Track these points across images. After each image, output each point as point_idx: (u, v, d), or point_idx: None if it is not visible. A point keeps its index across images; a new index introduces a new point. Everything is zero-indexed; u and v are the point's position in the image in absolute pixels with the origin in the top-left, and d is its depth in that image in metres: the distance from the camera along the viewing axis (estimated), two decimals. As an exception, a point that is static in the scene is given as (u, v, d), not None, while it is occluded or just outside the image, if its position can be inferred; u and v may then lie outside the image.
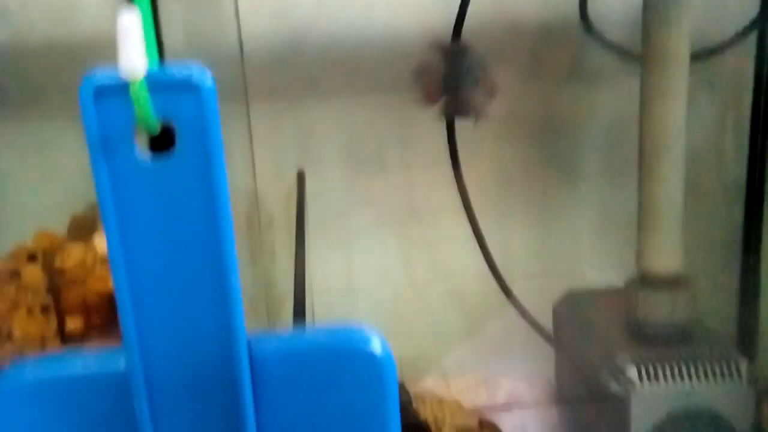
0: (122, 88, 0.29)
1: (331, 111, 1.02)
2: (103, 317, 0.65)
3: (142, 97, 0.29)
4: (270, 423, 0.33)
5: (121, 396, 0.33)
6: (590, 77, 1.04)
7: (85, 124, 0.30)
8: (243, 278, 0.32)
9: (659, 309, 0.86)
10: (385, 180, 1.05)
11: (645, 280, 0.88)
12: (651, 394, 0.80)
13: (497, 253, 1.02)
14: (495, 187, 1.06)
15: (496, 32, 0.98)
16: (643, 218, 0.88)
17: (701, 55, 0.95)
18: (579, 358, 0.93)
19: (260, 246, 1.01)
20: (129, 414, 0.32)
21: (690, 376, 0.81)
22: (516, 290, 1.02)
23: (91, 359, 0.33)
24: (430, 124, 0.98)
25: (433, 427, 0.87)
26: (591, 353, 0.90)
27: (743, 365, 0.82)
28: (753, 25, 0.96)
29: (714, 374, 0.81)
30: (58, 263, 0.67)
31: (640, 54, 0.87)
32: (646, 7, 0.84)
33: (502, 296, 1.02)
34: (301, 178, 1.00)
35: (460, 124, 0.97)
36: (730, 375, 0.81)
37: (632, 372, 0.81)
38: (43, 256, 0.68)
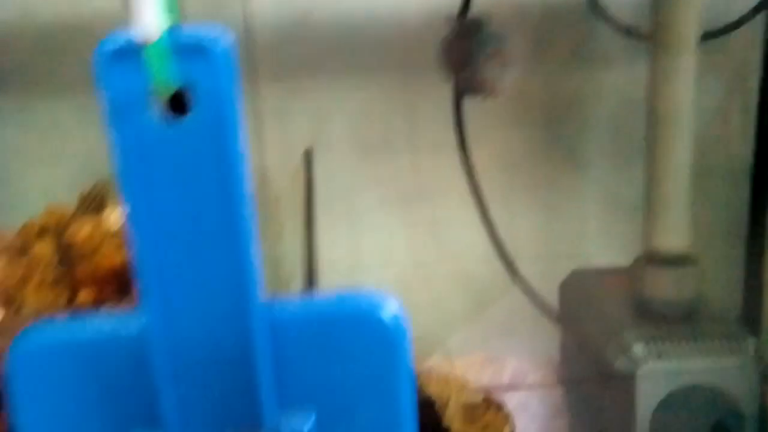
0: (137, 50, 0.29)
1: (339, 91, 1.02)
2: (114, 290, 0.65)
3: (156, 60, 0.29)
4: (284, 385, 0.33)
5: (136, 359, 0.33)
6: (598, 59, 1.04)
7: (101, 88, 0.30)
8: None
9: (666, 287, 0.87)
10: (392, 160, 1.05)
11: (652, 259, 0.88)
12: (657, 371, 0.81)
13: (503, 234, 1.02)
14: (501, 168, 1.06)
15: (503, 13, 0.98)
16: (650, 197, 0.88)
17: (709, 36, 0.94)
18: (585, 336, 0.94)
19: (267, 225, 1.02)
20: (144, 377, 0.33)
21: (696, 354, 0.81)
22: (522, 271, 1.03)
23: (106, 323, 0.34)
24: (438, 105, 0.98)
25: (438, 403, 0.87)
26: (597, 331, 0.90)
27: (749, 343, 0.82)
28: (761, 6, 0.96)
29: (720, 352, 0.81)
30: (68, 237, 0.67)
31: (649, 35, 0.86)
32: (655, -12, 0.84)
33: (507, 277, 1.02)
34: (308, 157, 1.00)
35: (468, 106, 0.97)
36: (736, 352, 0.81)
37: (638, 349, 0.82)
38: (54, 229, 0.68)
